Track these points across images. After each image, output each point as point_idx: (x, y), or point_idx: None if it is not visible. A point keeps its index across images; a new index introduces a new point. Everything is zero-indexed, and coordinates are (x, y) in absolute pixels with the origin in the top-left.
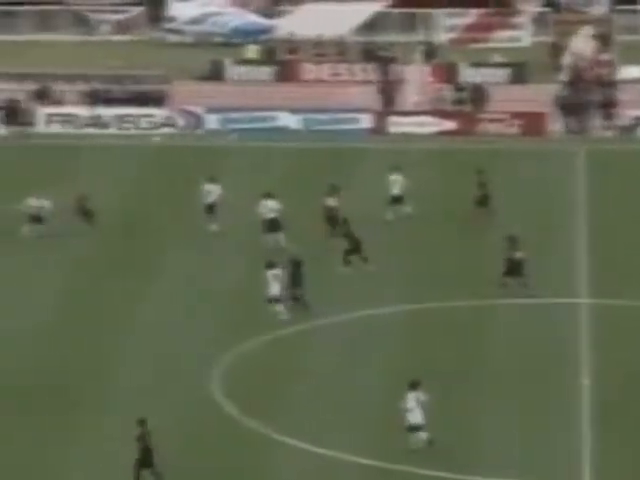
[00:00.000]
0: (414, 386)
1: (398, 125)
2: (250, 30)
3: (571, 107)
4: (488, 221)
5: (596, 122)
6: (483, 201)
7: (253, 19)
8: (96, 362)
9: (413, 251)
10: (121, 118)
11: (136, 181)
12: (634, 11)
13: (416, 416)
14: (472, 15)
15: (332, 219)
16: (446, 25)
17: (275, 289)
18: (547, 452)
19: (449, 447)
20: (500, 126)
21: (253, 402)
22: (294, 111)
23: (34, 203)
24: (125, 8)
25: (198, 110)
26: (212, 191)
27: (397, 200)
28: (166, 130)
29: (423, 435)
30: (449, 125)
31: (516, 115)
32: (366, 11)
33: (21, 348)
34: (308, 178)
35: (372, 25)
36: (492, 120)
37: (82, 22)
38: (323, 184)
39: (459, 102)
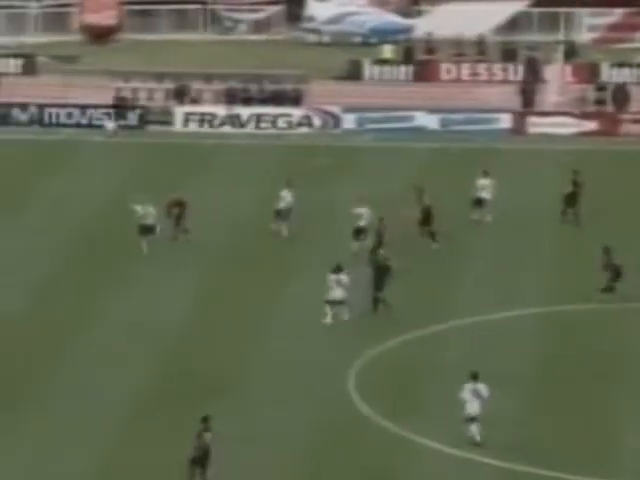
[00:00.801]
0: (474, 378)
1: (538, 126)
2: (388, 30)
3: None
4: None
5: None
6: (571, 200)
7: (391, 19)
8: (235, 362)
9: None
10: (258, 117)
11: (274, 181)
12: None
13: (473, 407)
14: (615, 15)
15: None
16: (588, 24)
17: (335, 294)
18: None
19: (584, 450)
20: None
21: (389, 402)
22: (432, 111)
23: (140, 210)
24: (263, 7)
25: (335, 110)
26: (285, 197)
27: (479, 203)
28: (303, 130)
29: (476, 427)
30: (590, 126)
31: None
32: (506, 10)
33: (162, 349)
34: (445, 178)
35: (512, 24)
36: (635, 121)
37: (220, 21)
38: (457, 184)
39: (600, 102)
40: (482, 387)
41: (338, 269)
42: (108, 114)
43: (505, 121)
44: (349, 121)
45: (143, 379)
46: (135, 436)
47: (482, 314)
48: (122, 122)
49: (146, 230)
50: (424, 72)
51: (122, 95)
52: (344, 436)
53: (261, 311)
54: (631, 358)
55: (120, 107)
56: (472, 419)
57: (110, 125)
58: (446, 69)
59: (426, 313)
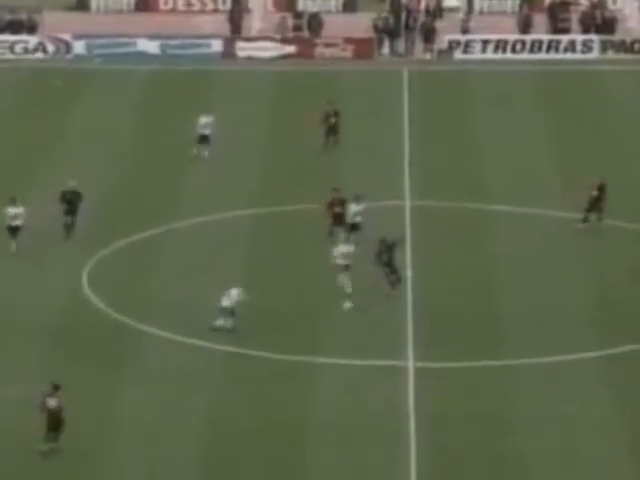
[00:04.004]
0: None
1: (245, 50)
2: None
3: (396, 33)
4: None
5: (418, 46)
6: (332, 130)
7: None
8: None
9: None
10: None
11: (11, 102)
12: None
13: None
14: None
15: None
16: None
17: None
18: (375, 335)
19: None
20: (334, 50)
21: (120, 298)
22: (152, 37)
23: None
24: None
25: (66, 37)
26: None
27: (202, 140)
28: (38, 55)
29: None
30: (289, 49)
31: (348, 40)
32: None
33: None
34: (168, 97)
35: None
36: (327, 45)
37: None
38: (184, 102)
39: (298, 29)
40: (238, 294)
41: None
42: None
43: (217, 46)
44: (79, 47)
45: None
46: None
47: (201, 216)
48: None
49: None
50: (145, 3)
51: None
52: (79, 330)
53: None
54: None
55: None
56: (225, 311)
57: None
58: (164, 0)
59: (149, 217)
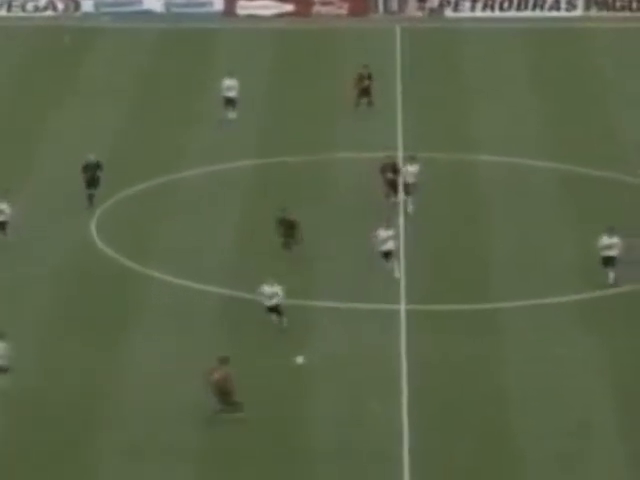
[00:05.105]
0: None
1: (245, 8)
2: None
3: None
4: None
5: (410, 4)
6: (366, 91)
7: None
8: None
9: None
10: (10, 2)
11: (28, 58)
12: None
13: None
14: None
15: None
16: None
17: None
18: (368, 279)
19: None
20: (330, 8)
21: (127, 244)
22: None
23: None
24: None
25: None
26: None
27: (228, 102)
28: (48, 13)
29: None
30: (288, 8)
31: None
32: None
33: None
34: (173, 55)
35: None
36: (323, 3)
37: None
38: (188, 59)
39: None
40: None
41: None
42: None
43: (218, 4)
44: (87, 5)
45: None
46: None
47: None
48: None
49: None
50: None
51: None
52: (87, 275)
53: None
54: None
55: None
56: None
57: None
58: None
59: (155, 168)
